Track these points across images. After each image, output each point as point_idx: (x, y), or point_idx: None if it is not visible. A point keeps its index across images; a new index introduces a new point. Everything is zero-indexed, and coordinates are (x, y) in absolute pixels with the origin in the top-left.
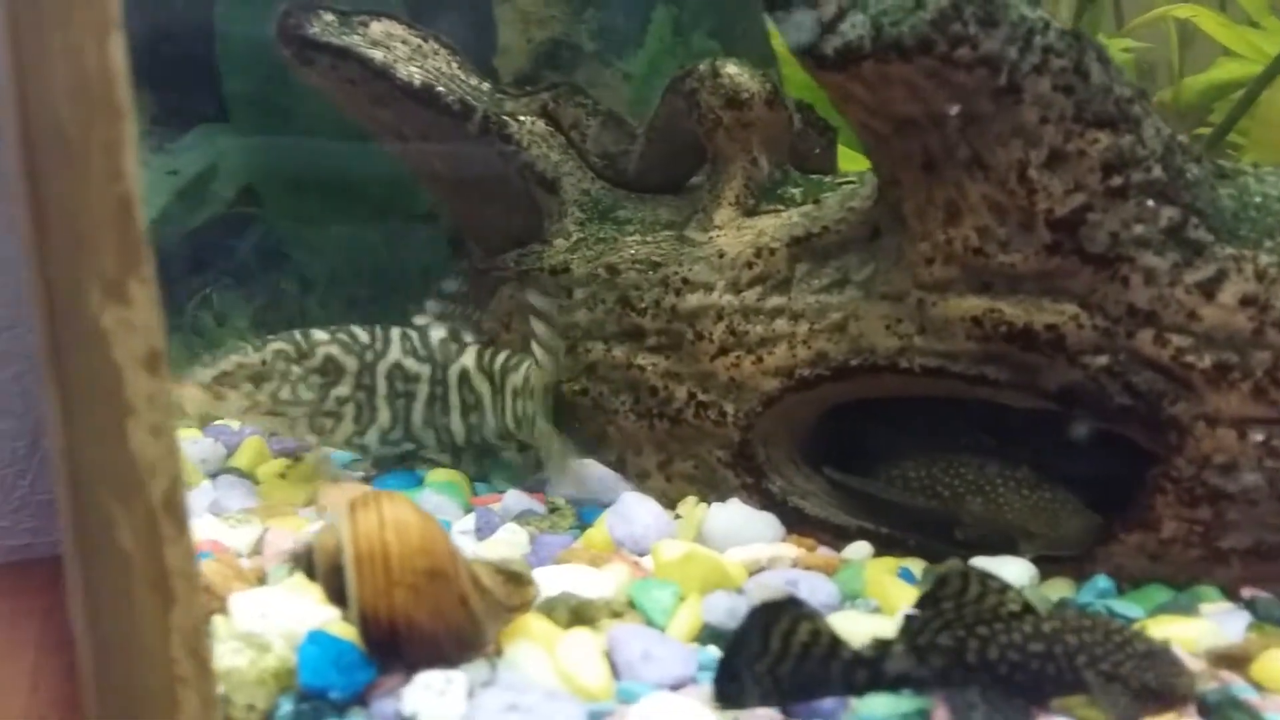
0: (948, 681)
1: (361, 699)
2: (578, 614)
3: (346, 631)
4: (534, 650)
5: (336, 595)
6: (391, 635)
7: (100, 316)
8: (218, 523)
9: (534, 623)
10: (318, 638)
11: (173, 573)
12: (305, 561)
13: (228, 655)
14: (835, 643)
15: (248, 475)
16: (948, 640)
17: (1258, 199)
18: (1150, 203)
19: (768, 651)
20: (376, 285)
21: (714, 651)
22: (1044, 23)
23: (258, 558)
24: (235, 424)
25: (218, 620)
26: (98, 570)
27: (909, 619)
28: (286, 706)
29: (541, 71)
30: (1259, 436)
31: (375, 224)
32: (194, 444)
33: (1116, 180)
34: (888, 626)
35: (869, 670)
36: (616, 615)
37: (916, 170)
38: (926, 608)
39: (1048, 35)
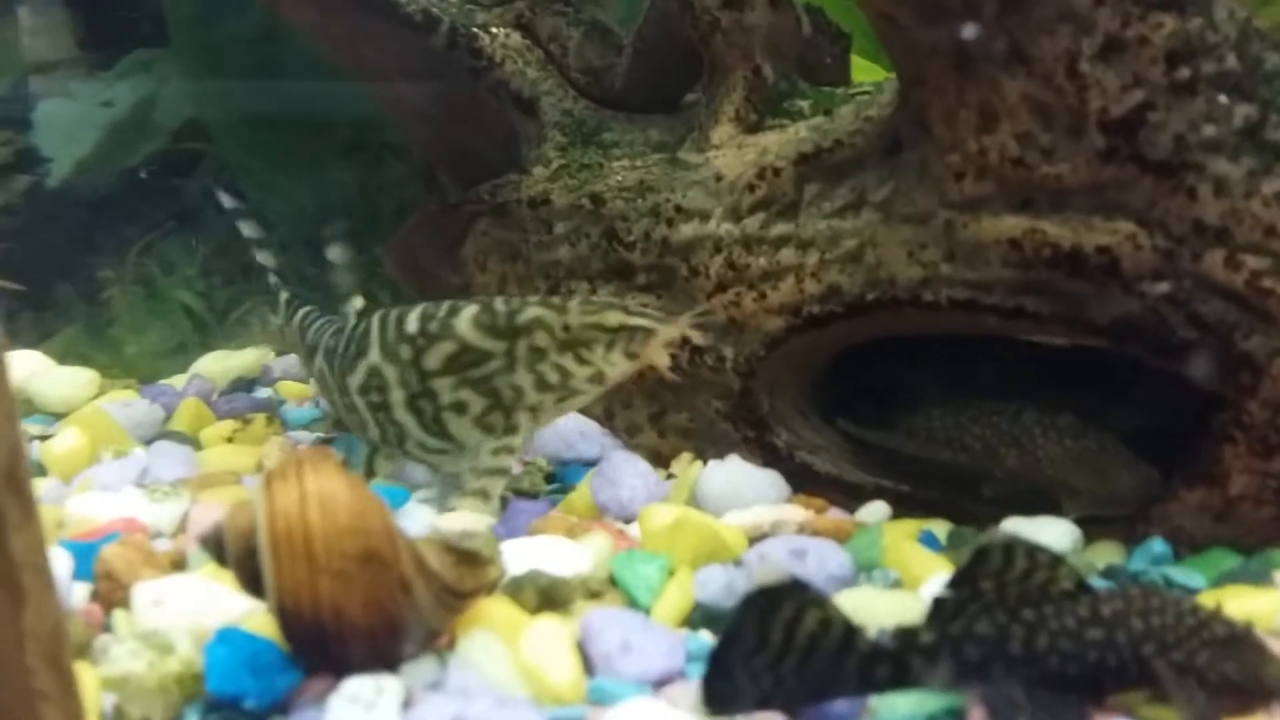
0: (986, 676)
1: (282, 707)
2: (548, 596)
3: (266, 627)
4: (493, 643)
5: (253, 584)
6: (317, 631)
7: None
8: (141, 496)
9: (495, 608)
10: (229, 636)
11: (21, 565)
12: (215, 545)
13: (124, 658)
14: (849, 633)
15: (189, 439)
16: (987, 627)
17: None
18: (1223, 99)
19: (767, 645)
20: (344, 226)
21: (706, 638)
22: None
23: (182, 537)
24: (179, 384)
25: (118, 615)
26: None
27: (940, 602)
28: (193, 718)
29: None
30: None
31: (342, 158)
32: (126, 407)
33: (1183, 72)
34: (910, 605)
35: (891, 665)
36: (594, 595)
37: (945, 67)
38: (962, 587)
39: None
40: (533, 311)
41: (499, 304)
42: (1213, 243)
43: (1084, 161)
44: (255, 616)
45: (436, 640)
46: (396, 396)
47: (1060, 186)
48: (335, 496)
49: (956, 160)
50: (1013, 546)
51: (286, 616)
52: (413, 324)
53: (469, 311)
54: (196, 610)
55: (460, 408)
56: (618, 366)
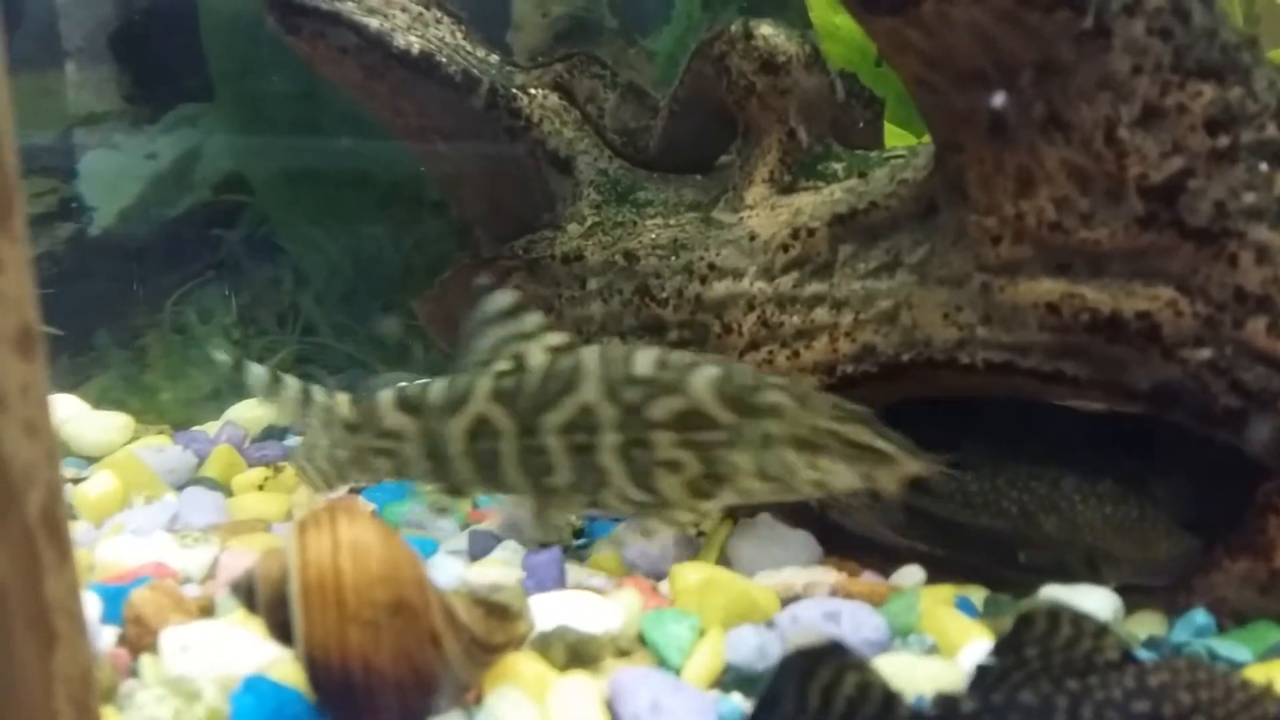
0: None
1: None
2: (577, 653)
3: (294, 677)
4: (521, 699)
5: (282, 632)
6: (345, 681)
7: None
8: (171, 541)
9: (524, 664)
10: (256, 685)
11: (54, 608)
12: (246, 592)
13: (149, 705)
14: (889, 699)
15: (220, 486)
16: (1030, 697)
17: None
18: (1263, 167)
19: (805, 709)
20: (380, 280)
21: (737, 701)
22: None
23: (211, 583)
24: (212, 431)
25: (145, 660)
26: None
27: (983, 669)
28: None
29: (559, 49)
30: None
31: (379, 213)
32: (159, 452)
33: (1223, 140)
34: (949, 672)
35: None
36: (624, 654)
37: (982, 133)
38: (1005, 655)
39: None
40: (776, 396)
41: (745, 375)
42: (1255, 310)
43: (1123, 227)
44: (283, 665)
45: (465, 694)
46: (609, 440)
47: (1099, 251)
48: (368, 545)
49: (993, 224)
50: (1058, 613)
51: (315, 666)
52: (645, 366)
53: (710, 373)
54: (224, 657)
55: (674, 466)
56: (844, 482)
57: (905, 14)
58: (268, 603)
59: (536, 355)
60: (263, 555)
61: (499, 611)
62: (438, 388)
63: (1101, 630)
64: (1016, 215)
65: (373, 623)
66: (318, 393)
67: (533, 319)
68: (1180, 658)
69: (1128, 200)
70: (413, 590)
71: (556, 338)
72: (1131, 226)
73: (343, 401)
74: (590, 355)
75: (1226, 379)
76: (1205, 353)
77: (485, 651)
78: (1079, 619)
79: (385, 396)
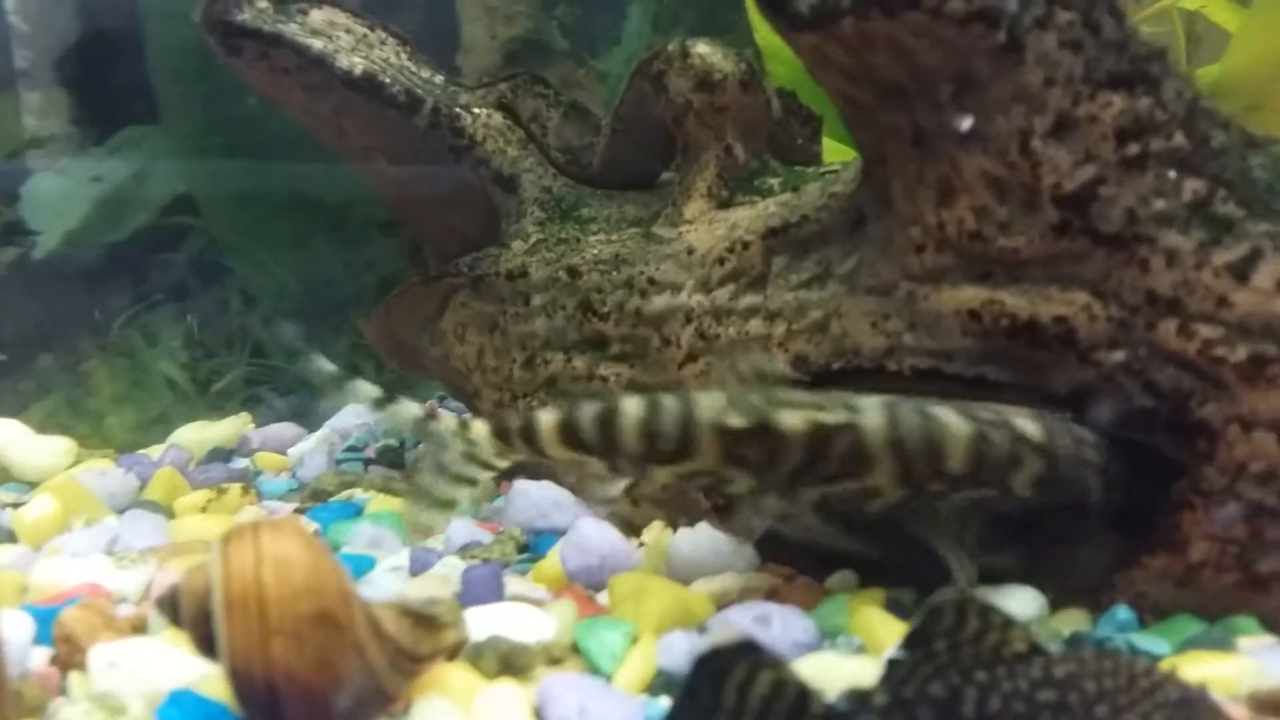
0: None
1: None
2: (508, 662)
3: (220, 691)
4: (447, 708)
5: (207, 646)
6: (269, 694)
7: None
8: (108, 563)
9: (453, 674)
10: (181, 699)
11: None
12: (170, 606)
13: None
14: (803, 695)
15: (162, 509)
16: (939, 689)
17: None
18: (1172, 174)
19: (720, 707)
20: (328, 301)
21: (666, 704)
22: None
23: (145, 604)
24: (155, 454)
25: (73, 678)
26: None
27: (893, 663)
28: None
29: (508, 70)
30: None
31: (328, 234)
32: (102, 475)
33: (1133, 149)
34: (872, 671)
35: None
36: (556, 662)
37: (904, 145)
38: (915, 648)
39: None
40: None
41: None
42: (1165, 313)
43: (1039, 234)
44: (211, 680)
45: (391, 705)
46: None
47: (1017, 259)
48: (291, 558)
49: (917, 233)
50: (964, 605)
51: (238, 678)
52: (961, 460)
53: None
54: (152, 673)
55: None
56: None
57: (825, 29)
58: (192, 617)
59: (794, 422)
60: (187, 570)
61: (426, 622)
62: (631, 425)
63: (1008, 623)
64: (938, 225)
65: (296, 634)
66: (446, 419)
67: (800, 395)
68: (1087, 648)
69: (1043, 209)
70: (336, 601)
71: (835, 416)
72: (1047, 234)
73: (480, 429)
74: (877, 436)
75: (1139, 380)
76: (1119, 355)
77: (412, 661)
78: (986, 611)
79: (547, 425)
